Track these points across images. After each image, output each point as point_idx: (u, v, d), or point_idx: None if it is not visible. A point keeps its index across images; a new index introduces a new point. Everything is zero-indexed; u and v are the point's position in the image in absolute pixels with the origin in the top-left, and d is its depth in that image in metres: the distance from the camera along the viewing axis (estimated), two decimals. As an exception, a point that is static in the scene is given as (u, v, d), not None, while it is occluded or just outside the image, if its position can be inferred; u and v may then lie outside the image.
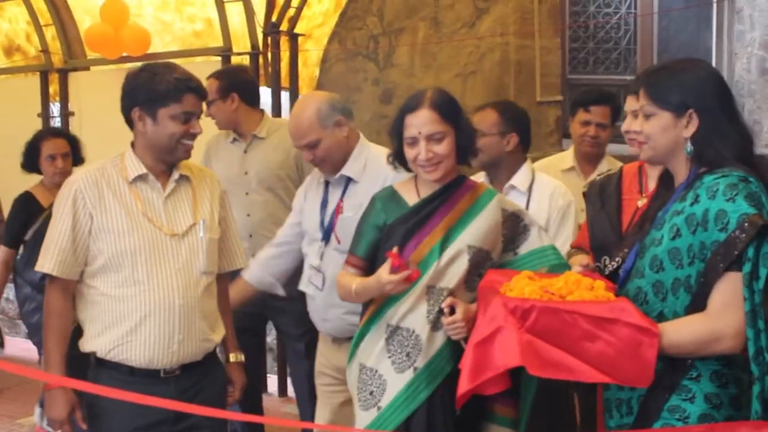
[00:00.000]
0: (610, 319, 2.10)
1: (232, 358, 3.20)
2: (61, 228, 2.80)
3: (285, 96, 6.32)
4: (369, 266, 2.95)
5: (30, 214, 4.87)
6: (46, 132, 5.22)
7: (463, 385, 2.28)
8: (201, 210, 2.95)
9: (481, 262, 2.87)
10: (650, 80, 2.37)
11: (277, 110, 6.18)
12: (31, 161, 4.97)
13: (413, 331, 2.82)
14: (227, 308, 3.20)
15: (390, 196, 2.99)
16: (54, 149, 4.89)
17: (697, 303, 2.19)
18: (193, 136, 2.89)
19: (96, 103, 7.07)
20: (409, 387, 2.79)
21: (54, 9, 7.55)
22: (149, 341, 2.79)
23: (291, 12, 6.34)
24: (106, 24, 6.78)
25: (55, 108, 7.77)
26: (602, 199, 3.09)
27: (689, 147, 2.30)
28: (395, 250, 2.73)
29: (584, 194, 3.32)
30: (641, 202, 2.90)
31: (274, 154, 4.50)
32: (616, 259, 2.68)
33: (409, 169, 2.99)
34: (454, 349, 2.80)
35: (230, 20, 6.48)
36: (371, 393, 2.85)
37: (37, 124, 7.53)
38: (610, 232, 2.94)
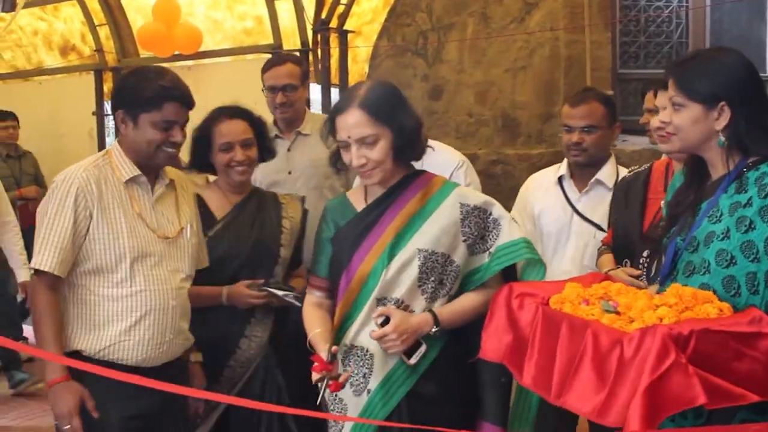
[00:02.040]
0: (752, 333, 1.93)
1: (192, 357, 3.09)
2: (61, 225, 2.74)
3: (335, 93, 6.35)
4: (332, 284, 2.69)
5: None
6: (222, 112, 3.37)
7: None
8: (184, 214, 2.94)
9: (436, 267, 2.55)
10: (680, 71, 2.28)
11: (327, 107, 6.22)
12: (200, 155, 3.38)
13: (367, 350, 2.55)
14: None
15: (339, 204, 2.74)
16: (231, 135, 3.30)
17: None
18: (174, 145, 2.82)
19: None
20: (364, 412, 2.53)
21: (108, 9, 7.68)
22: (143, 341, 2.79)
23: (340, 9, 6.38)
24: (158, 23, 6.88)
25: (108, 106, 7.90)
26: (627, 197, 2.97)
27: (722, 139, 2.23)
28: (323, 353, 2.45)
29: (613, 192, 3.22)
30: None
31: (320, 151, 4.17)
32: (642, 260, 2.65)
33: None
34: (409, 367, 2.52)
35: (280, 18, 6.54)
36: (335, 421, 2.62)
37: (92, 122, 7.69)
38: (631, 233, 2.82)
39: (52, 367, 2.73)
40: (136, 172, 2.83)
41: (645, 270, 2.64)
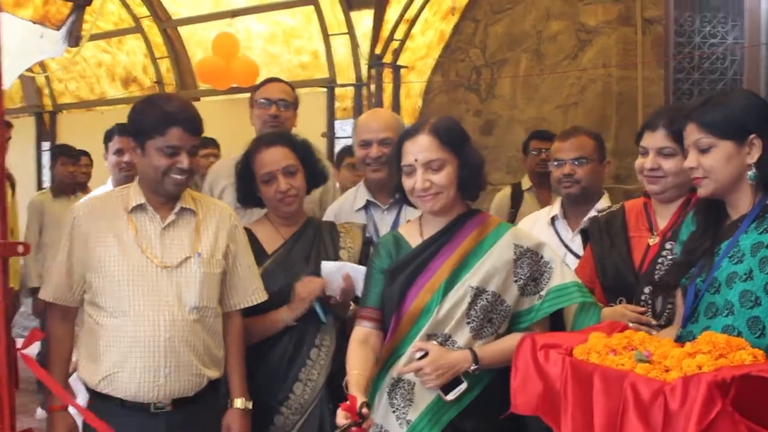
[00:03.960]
0: None
1: (236, 404, 2.89)
2: (60, 257, 2.80)
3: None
4: (384, 316, 2.68)
5: None
6: (260, 142, 3.21)
7: None
8: (202, 243, 2.83)
9: (487, 306, 2.54)
10: (702, 113, 2.28)
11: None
12: (246, 189, 3.19)
13: (413, 383, 2.55)
14: (236, 348, 2.96)
15: (393, 239, 2.73)
16: (271, 164, 3.09)
17: None
18: (181, 171, 2.75)
19: (206, 132, 7.32)
20: None
21: (169, 42, 7.92)
22: (135, 374, 2.70)
23: (395, 44, 6.49)
24: (217, 56, 7.06)
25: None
26: (610, 236, 2.89)
27: (753, 173, 2.23)
28: (357, 400, 2.39)
29: (582, 231, 3.15)
30: (652, 241, 2.75)
31: None
32: (644, 297, 2.64)
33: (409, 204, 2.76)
34: (447, 403, 2.52)
35: (335, 52, 6.68)
36: None
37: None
38: (624, 272, 2.76)
39: (54, 394, 2.75)
40: (141, 200, 2.80)
41: (649, 307, 2.64)
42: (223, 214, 2.94)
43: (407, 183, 2.59)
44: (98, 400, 2.78)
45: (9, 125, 6.03)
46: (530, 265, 2.59)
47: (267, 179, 3.07)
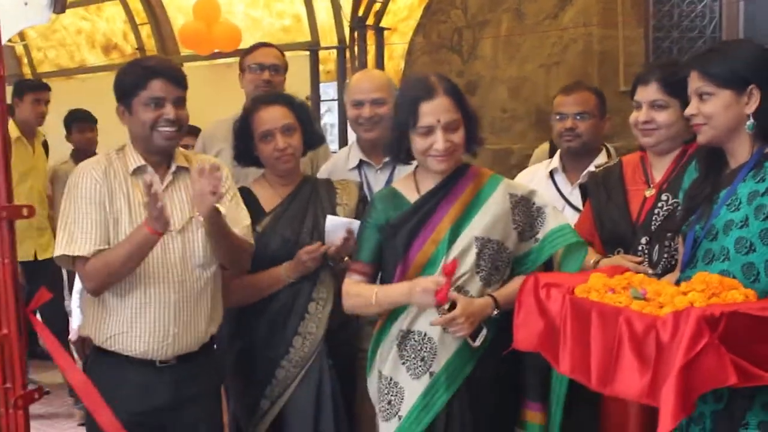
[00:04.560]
0: None
1: None
2: (83, 209, 2.73)
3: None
4: (375, 271, 2.76)
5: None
6: (259, 100, 3.26)
7: (674, 417, 1.92)
8: None
9: (493, 254, 2.65)
10: (704, 61, 2.34)
11: (363, 103, 6.33)
12: (243, 148, 3.23)
13: (425, 334, 2.63)
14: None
15: (390, 195, 2.79)
16: (270, 122, 3.13)
17: None
18: (170, 122, 2.76)
19: (189, 98, 7.34)
20: (427, 394, 2.61)
21: (149, 8, 7.89)
22: (144, 334, 2.75)
23: (377, 6, 6.51)
24: (198, 22, 7.04)
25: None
26: (607, 190, 2.97)
27: (751, 123, 2.29)
28: (450, 263, 2.52)
29: (581, 186, 3.24)
30: (649, 193, 2.83)
31: None
32: (643, 248, 2.71)
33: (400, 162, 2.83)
34: (471, 350, 2.62)
35: (318, 15, 6.70)
36: (389, 402, 2.67)
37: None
38: (621, 224, 2.83)
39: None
40: (141, 162, 2.81)
41: (646, 256, 2.72)
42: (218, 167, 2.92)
43: (422, 143, 2.62)
44: (103, 355, 2.82)
45: (46, 88, 5.72)
46: (524, 212, 2.71)
47: (265, 136, 3.10)
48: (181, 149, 2.97)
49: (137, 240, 2.65)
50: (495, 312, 2.62)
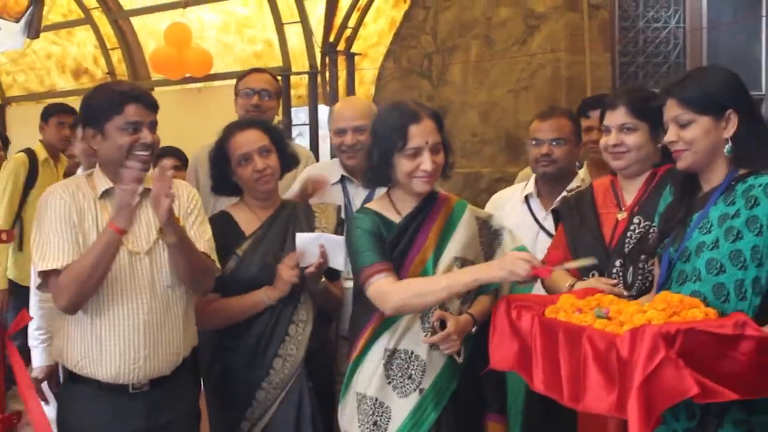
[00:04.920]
0: (736, 336, 2.02)
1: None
2: (51, 226, 2.72)
3: (342, 113, 6.51)
4: (393, 268, 2.71)
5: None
6: (233, 126, 3.27)
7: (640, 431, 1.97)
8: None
9: None
10: (681, 89, 2.39)
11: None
12: (221, 176, 3.24)
13: (412, 352, 2.68)
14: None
15: (370, 212, 2.79)
16: (246, 145, 3.16)
17: None
18: (146, 147, 2.75)
19: (160, 122, 7.35)
20: (417, 411, 2.66)
21: (120, 33, 7.90)
22: (115, 356, 2.72)
23: (348, 32, 6.57)
24: (170, 47, 7.05)
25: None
26: (580, 214, 3.01)
27: (729, 146, 2.35)
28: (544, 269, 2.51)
29: (554, 211, 3.24)
30: (621, 216, 2.87)
31: None
32: (617, 270, 2.77)
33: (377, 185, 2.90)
34: (455, 366, 2.70)
35: (289, 41, 6.74)
36: (375, 423, 2.69)
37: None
38: (595, 247, 2.85)
39: None
40: (110, 185, 2.78)
41: (620, 279, 2.77)
42: (179, 191, 2.92)
43: (409, 165, 2.66)
44: (75, 383, 2.79)
45: (71, 112, 5.41)
46: (486, 234, 2.83)
47: (243, 160, 3.10)
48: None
49: (102, 242, 2.64)
50: (474, 329, 2.69)
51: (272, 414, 3.04)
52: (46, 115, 5.52)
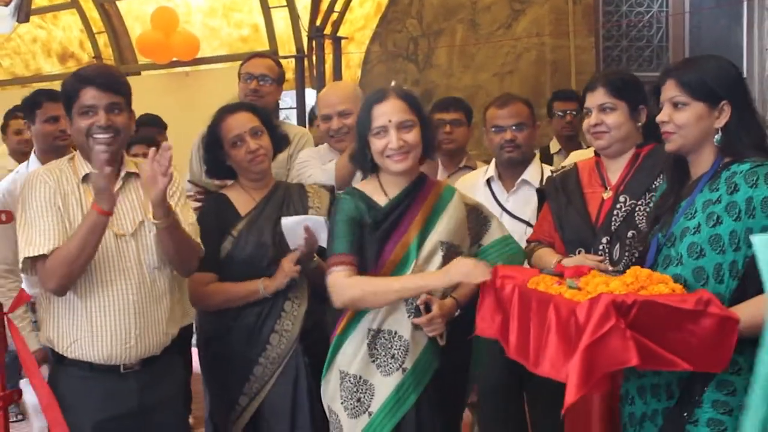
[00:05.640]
0: (697, 311, 2.10)
1: None
2: (39, 211, 2.74)
3: (329, 97, 6.54)
4: (357, 262, 2.76)
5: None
6: (224, 110, 3.31)
7: (576, 391, 2.06)
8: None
9: (452, 256, 2.72)
10: (682, 72, 2.42)
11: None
12: (215, 160, 3.30)
13: (395, 332, 2.73)
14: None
15: (357, 194, 2.83)
16: (238, 127, 3.22)
17: (746, 287, 2.26)
18: (102, 129, 2.75)
19: (147, 106, 7.34)
20: (399, 389, 2.71)
21: (106, 17, 7.88)
22: (106, 337, 2.75)
23: (334, 16, 6.60)
24: (156, 31, 7.06)
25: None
26: (566, 194, 3.07)
27: (719, 136, 2.38)
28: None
29: (539, 190, 3.36)
30: (606, 195, 2.95)
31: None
32: (604, 248, 2.85)
33: (366, 171, 2.88)
34: (436, 346, 2.75)
35: (276, 25, 6.75)
36: (359, 400, 2.74)
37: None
38: (581, 226, 2.93)
39: None
40: (89, 168, 2.79)
41: (607, 255, 2.85)
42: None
43: (378, 144, 2.72)
44: (66, 365, 2.82)
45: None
46: (474, 220, 2.89)
47: (235, 142, 3.16)
48: (131, 158, 2.98)
49: (87, 224, 2.66)
50: (458, 312, 2.75)
51: (269, 388, 3.11)
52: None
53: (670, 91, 2.43)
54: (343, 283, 2.70)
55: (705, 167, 2.42)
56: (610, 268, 2.69)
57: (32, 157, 3.93)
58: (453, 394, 2.90)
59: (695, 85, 2.38)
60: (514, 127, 3.54)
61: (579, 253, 2.88)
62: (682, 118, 2.39)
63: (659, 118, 2.48)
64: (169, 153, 2.65)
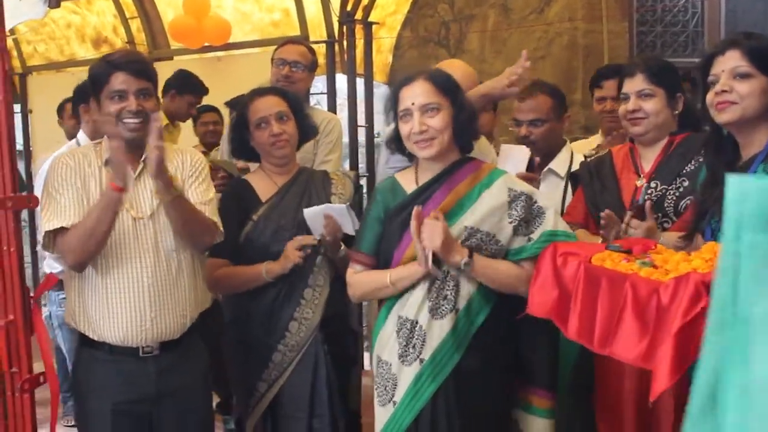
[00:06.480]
0: None
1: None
2: (58, 189, 2.81)
3: (360, 83, 6.54)
4: (376, 263, 2.79)
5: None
6: (254, 92, 3.35)
7: (669, 378, 1.94)
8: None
9: (480, 243, 2.65)
10: (749, 44, 2.36)
11: (353, 96, 6.41)
12: (240, 141, 3.35)
13: (416, 322, 2.66)
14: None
15: (390, 186, 2.81)
16: (264, 110, 3.25)
17: None
18: (132, 114, 2.81)
19: (180, 91, 7.39)
20: (417, 381, 2.64)
21: (139, 2, 7.91)
22: (122, 318, 2.80)
23: (365, 1, 6.56)
24: (188, 16, 7.08)
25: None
26: (600, 180, 3.04)
27: None
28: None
29: (572, 175, 3.31)
30: (640, 182, 2.92)
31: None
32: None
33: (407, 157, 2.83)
34: (459, 338, 2.64)
35: (307, 10, 6.73)
36: (385, 388, 2.71)
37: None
38: (616, 211, 2.87)
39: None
40: None
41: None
42: (183, 157, 3.01)
43: (404, 128, 2.68)
44: (87, 347, 2.90)
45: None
46: (524, 207, 2.69)
47: (260, 124, 3.20)
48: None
49: (103, 200, 2.72)
50: (464, 260, 2.60)
51: (288, 376, 3.15)
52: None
53: (734, 60, 2.37)
54: (355, 281, 2.79)
55: (759, 147, 2.38)
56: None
57: (80, 134, 4.03)
58: (485, 394, 2.73)
59: (762, 56, 2.33)
60: (529, 123, 3.52)
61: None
62: (745, 88, 2.34)
63: (719, 86, 2.39)
64: (158, 124, 2.68)
